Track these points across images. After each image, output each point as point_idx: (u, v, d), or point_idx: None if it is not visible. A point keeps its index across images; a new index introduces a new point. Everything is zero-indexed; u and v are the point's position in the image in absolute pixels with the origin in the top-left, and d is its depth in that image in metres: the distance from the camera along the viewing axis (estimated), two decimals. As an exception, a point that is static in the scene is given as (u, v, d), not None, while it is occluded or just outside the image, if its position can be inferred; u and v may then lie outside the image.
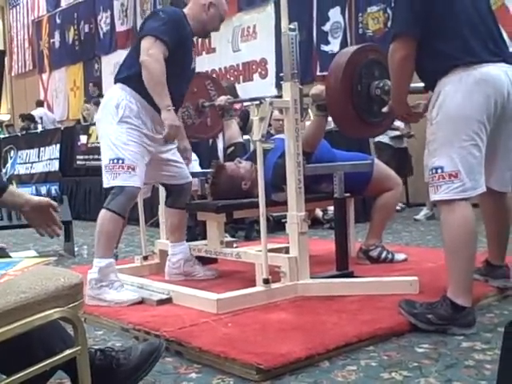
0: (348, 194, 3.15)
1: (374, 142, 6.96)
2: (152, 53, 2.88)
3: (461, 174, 2.33)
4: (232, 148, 3.65)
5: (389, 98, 2.77)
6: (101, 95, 11.02)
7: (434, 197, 2.42)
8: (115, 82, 3.11)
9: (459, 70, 2.34)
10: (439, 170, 2.37)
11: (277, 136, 3.81)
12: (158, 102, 2.95)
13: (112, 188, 2.96)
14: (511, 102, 2.39)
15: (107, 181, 2.97)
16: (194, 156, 4.60)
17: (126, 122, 2.97)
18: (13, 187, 1.84)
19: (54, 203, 1.84)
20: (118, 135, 2.96)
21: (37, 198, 1.82)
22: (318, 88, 3.17)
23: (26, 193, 1.86)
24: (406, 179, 6.91)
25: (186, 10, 3.18)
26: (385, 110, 2.75)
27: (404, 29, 2.42)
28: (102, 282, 2.87)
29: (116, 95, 3.02)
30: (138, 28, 3.22)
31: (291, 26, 2.87)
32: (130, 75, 3.02)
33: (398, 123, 6.59)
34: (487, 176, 2.47)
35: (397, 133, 6.80)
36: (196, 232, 4.23)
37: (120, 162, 2.93)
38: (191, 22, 3.14)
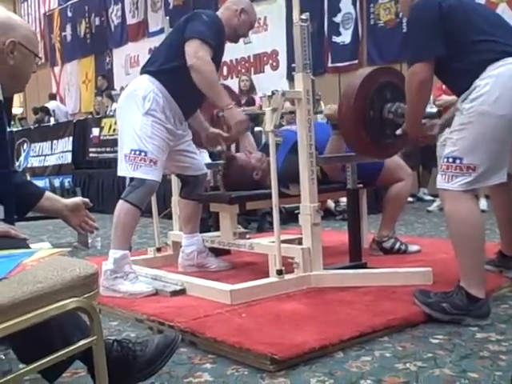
0: (361, 185, 3.14)
1: None
2: (201, 55, 2.87)
3: (479, 167, 2.30)
4: None
5: (402, 120, 2.74)
6: (110, 88, 11.08)
7: (444, 185, 2.38)
8: (142, 73, 3.09)
9: (495, 65, 2.29)
10: (457, 161, 2.33)
11: (285, 128, 3.79)
12: (217, 103, 2.96)
13: (131, 179, 2.97)
14: None
15: (127, 170, 2.97)
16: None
17: (151, 115, 2.96)
18: (49, 193, 1.90)
19: (86, 200, 1.95)
20: (143, 127, 2.94)
21: (72, 200, 1.93)
22: (331, 108, 3.14)
23: (59, 197, 1.97)
24: (431, 171, 6.79)
25: (218, 15, 3.18)
26: (398, 132, 2.74)
27: (423, 54, 2.39)
28: (116, 273, 2.88)
29: (144, 86, 3.00)
30: (175, 26, 3.16)
31: (303, 17, 2.85)
32: (162, 69, 3.00)
33: None
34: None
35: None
36: (209, 223, 4.23)
37: (142, 154, 2.92)
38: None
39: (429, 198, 6.89)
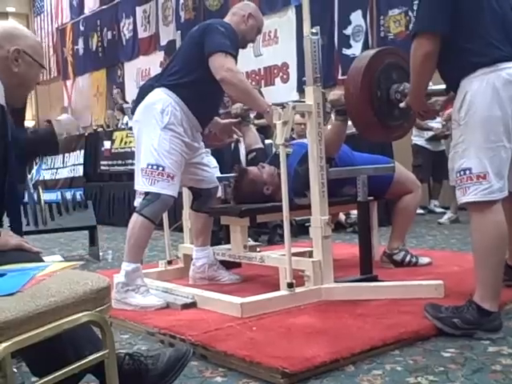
0: (371, 198, 3.14)
1: (411, 145, 6.90)
2: (229, 67, 2.89)
3: (489, 175, 2.30)
4: (253, 154, 3.64)
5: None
6: (124, 101, 11.15)
7: (462, 199, 2.38)
8: (157, 87, 3.08)
9: (486, 70, 2.30)
10: (467, 172, 2.33)
11: (296, 141, 3.81)
12: (256, 109, 3.00)
13: (147, 193, 2.96)
14: None
15: (143, 185, 2.96)
16: (214, 162, 4.59)
17: (170, 130, 2.96)
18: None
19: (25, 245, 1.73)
20: (162, 142, 2.94)
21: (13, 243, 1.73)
22: (336, 93, 3.15)
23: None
24: (442, 183, 6.77)
25: (226, 21, 3.17)
26: (402, 105, 2.76)
27: (429, 25, 2.36)
28: (128, 286, 2.88)
29: (161, 100, 3.00)
30: (188, 38, 3.14)
31: (313, 30, 2.87)
32: (179, 83, 3.00)
33: (432, 124, 6.52)
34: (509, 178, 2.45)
35: (431, 133, 6.70)
36: (220, 236, 4.24)
37: (160, 168, 2.91)
38: None
39: (440, 210, 6.86)
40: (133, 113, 4.23)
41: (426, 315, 2.41)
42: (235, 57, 2.98)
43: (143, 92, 3.99)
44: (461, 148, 2.37)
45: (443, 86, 2.66)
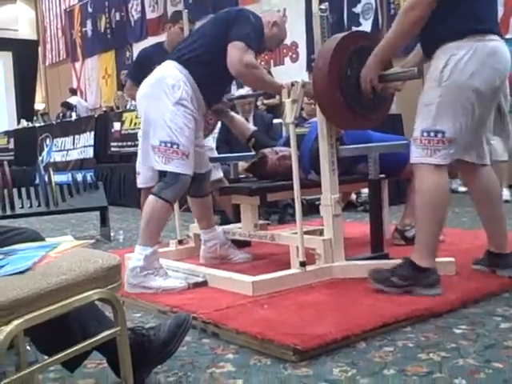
0: (383, 176, 3.11)
1: None
2: (245, 60, 2.81)
3: (456, 140, 2.36)
4: (253, 140, 3.50)
5: (380, 86, 2.65)
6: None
7: (427, 160, 2.40)
8: (170, 59, 2.99)
9: (476, 38, 2.32)
10: (439, 135, 2.36)
11: (313, 120, 3.77)
12: (271, 92, 3.07)
13: (164, 174, 2.88)
14: (506, 76, 2.45)
15: (157, 163, 2.87)
16: (212, 144, 4.51)
17: (182, 105, 2.87)
18: None
19: None
20: (174, 117, 2.84)
21: None
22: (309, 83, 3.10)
23: None
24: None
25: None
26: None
27: None
28: (146, 269, 2.81)
29: (172, 74, 2.91)
30: (218, 19, 3.03)
31: (322, 7, 2.84)
32: (194, 60, 2.92)
33: None
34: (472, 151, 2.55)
35: None
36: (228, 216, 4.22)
37: (175, 146, 2.82)
38: None
39: (464, 188, 6.74)
40: (133, 76, 4.20)
41: (370, 281, 2.51)
42: (256, 51, 2.90)
43: (145, 58, 4.00)
44: (436, 108, 2.37)
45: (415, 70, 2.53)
